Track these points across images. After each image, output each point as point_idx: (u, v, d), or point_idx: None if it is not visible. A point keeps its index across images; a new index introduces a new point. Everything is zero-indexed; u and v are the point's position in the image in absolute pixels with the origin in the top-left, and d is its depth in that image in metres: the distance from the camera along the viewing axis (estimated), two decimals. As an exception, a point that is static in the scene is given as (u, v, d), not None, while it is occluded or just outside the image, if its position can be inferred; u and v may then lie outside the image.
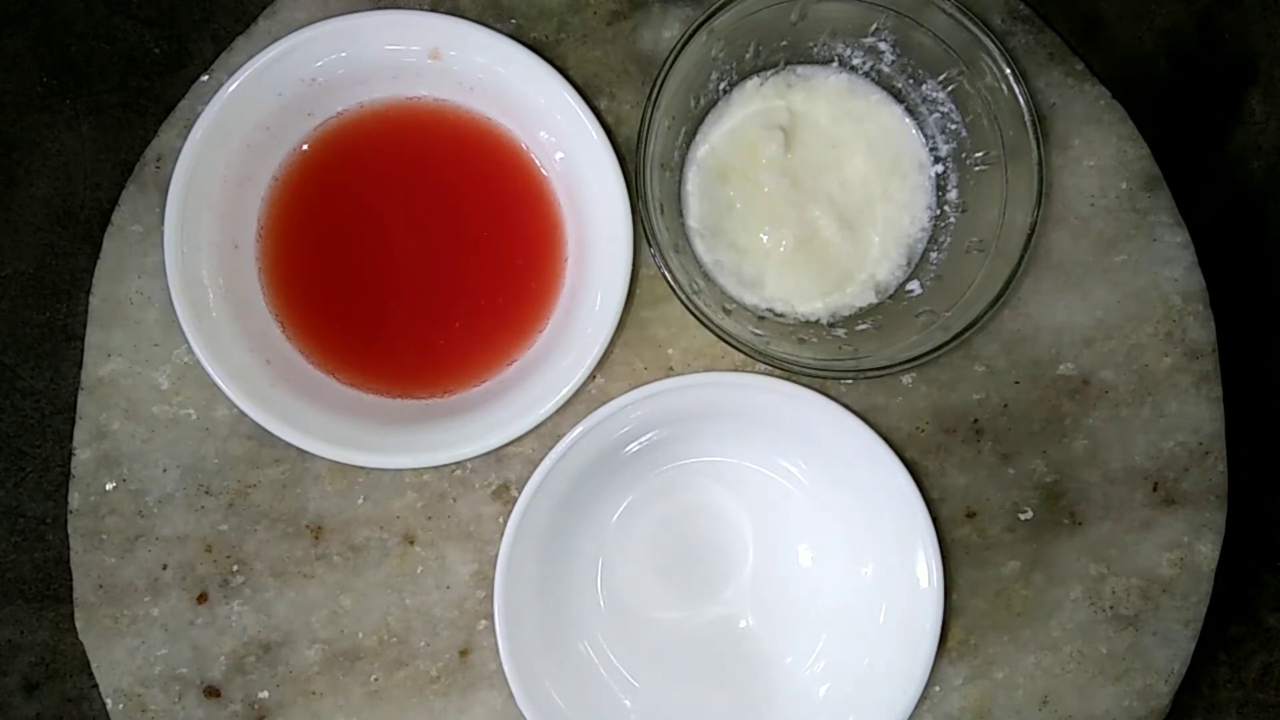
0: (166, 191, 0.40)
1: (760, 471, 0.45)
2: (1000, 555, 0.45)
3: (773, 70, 0.43)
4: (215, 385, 0.40)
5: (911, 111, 0.43)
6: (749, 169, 0.43)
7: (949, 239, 0.43)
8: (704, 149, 0.43)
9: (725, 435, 0.44)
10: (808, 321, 0.43)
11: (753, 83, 0.43)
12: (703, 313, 0.39)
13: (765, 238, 0.42)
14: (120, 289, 0.44)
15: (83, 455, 0.44)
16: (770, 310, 0.43)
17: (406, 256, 0.43)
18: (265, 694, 0.44)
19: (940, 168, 0.43)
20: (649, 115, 0.39)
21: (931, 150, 0.43)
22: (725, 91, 0.43)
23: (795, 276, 0.43)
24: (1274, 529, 0.46)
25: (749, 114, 0.43)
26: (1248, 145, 0.46)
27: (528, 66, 0.41)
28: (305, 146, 0.43)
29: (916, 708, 0.42)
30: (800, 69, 0.43)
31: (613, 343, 0.42)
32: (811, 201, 0.43)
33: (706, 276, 0.43)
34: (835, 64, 0.43)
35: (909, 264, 0.43)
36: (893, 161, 0.43)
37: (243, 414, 0.40)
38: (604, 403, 0.41)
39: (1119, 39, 0.46)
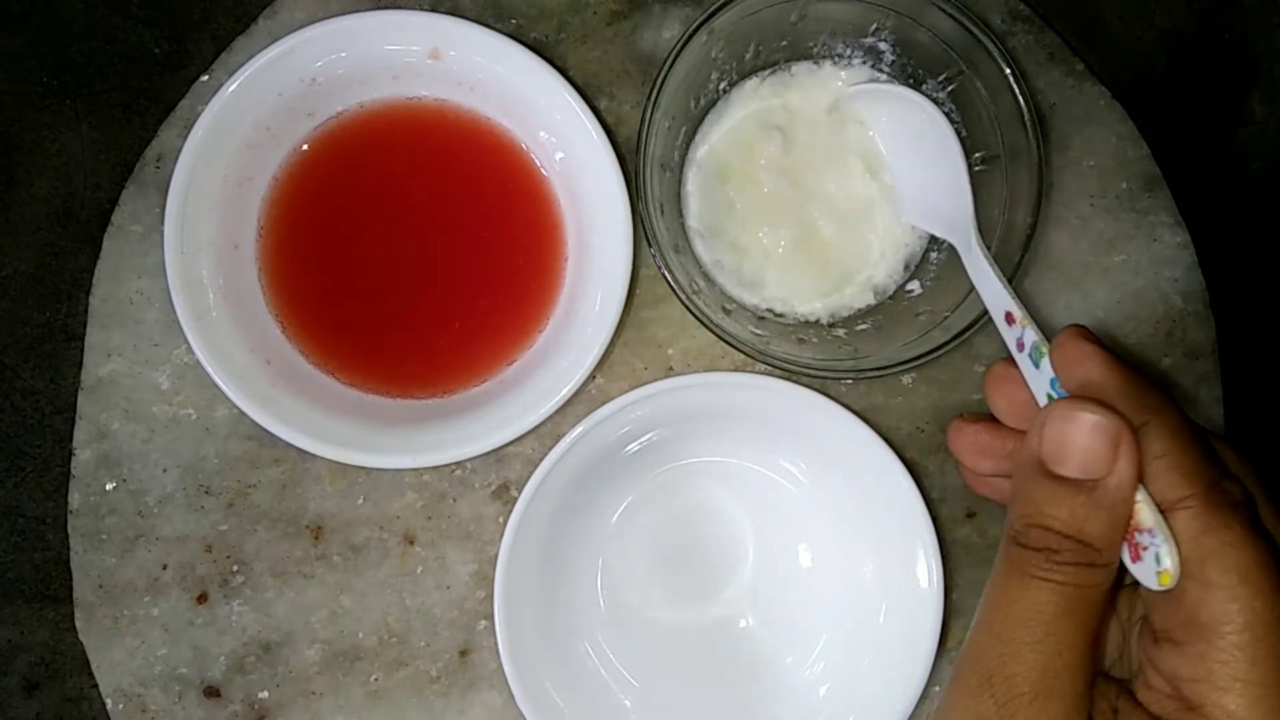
0: (166, 191, 0.40)
1: (760, 471, 0.45)
2: (1000, 555, 0.45)
3: (770, 70, 0.43)
4: (215, 385, 0.40)
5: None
6: (748, 169, 0.43)
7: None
8: (703, 149, 0.43)
9: (725, 435, 0.44)
10: (808, 322, 0.43)
11: (752, 82, 0.43)
12: (703, 313, 0.39)
13: (764, 238, 0.42)
14: (120, 289, 0.44)
15: (83, 455, 0.44)
16: (770, 311, 0.43)
17: (406, 256, 0.43)
18: (265, 694, 0.44)
19: (940, 168, 0.43)
20: (649, 115, 0.39)
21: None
22: (725, 91, 0.43)
23: (794, 277, 0.43)
24: (1274, 529, 0.45)
25: (747, 114, 0.43)
26: (1248, 145, 0.46)
27: (528, 66, 0.41)
28: (305, 146, 0.43)
29: (916, 708, 0.42)
30: (798, 66, 0.43)
31: (613, 343, 0.42)
32: (809, 202, 0.43)
33: (706, 276, 0.43)
34: (832, 63, 0.43)
35: (908, 265, 0.43)
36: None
37: (243, 414, 0.40)
38: (604, 403, 0.41)
39: (1119, 39, 0.46)
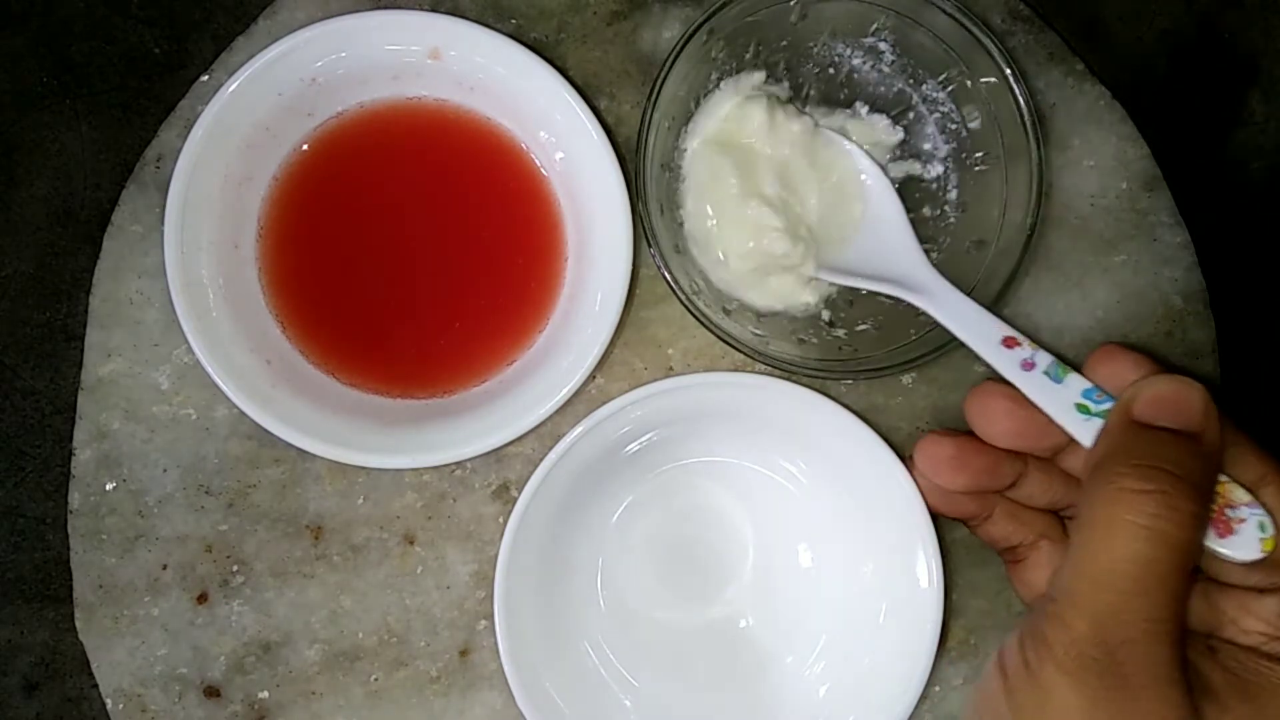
0: (166, 191, 0.40)
1: (760, 471, 0.45)
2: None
3: (775, 69, 0.43)
4: (215, 385, 0.40)
5: (910, 112, 0.43)
6: (735, 165, 0.42)
7: (949, 239, 0.43)
8: (696, 140, 0.42)
9: (725, 435, 0.44)
10: (807, 321, 0.43)
11: (758, 75, 0.42)
12: (703, 313, 0.39)
13: (751, 238, 0.42)
14: (120, 289, 0.44)
15: (83, 455, 0.44)
16: (768, 310, 0.43)
17: (406, 256, 0.43)
18: (265, 694, 0.44)
19: (940, 168, 0.43)
20: (649, 115, 0.39)
21: (931, 150, 0.43)
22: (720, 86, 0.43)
23: (778, 278, 0.42)
24: (1274, 529, 0.45)
25: (739, 101, 0.42)
26: (1248, 145, 0.46)
27: (528, 66, 0.41)
28: (305, 146, 0.43)
29: (916, 708, 0.41)
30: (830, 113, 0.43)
31: (613, 343, 0.42)
32: (797, 204, 0.42)
33: (705, 276, 0.43)
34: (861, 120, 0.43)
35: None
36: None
37: (243, 414, 0.40)
38: (604, 403, 0.41)
39: (1119, 39, 0.46)
